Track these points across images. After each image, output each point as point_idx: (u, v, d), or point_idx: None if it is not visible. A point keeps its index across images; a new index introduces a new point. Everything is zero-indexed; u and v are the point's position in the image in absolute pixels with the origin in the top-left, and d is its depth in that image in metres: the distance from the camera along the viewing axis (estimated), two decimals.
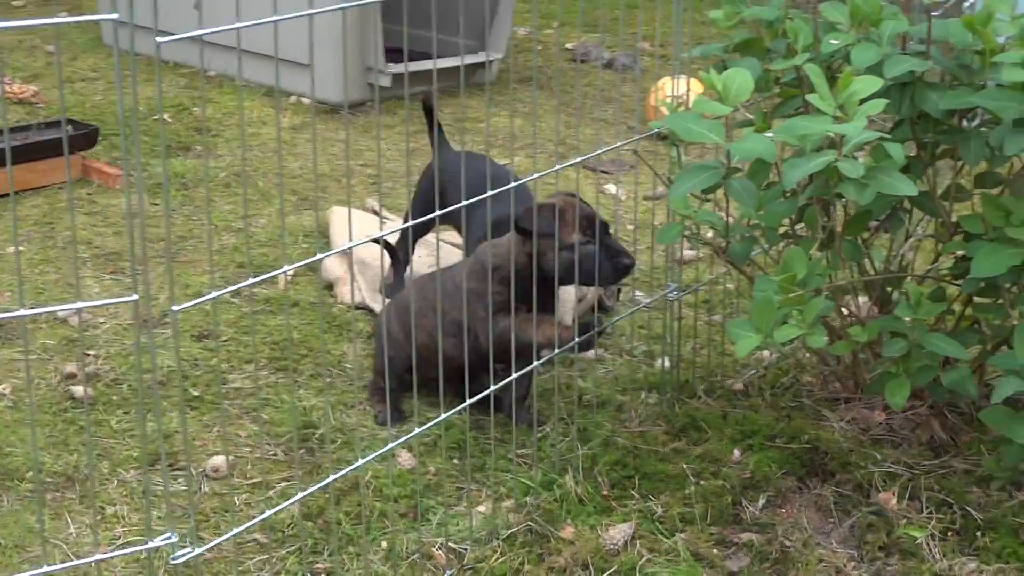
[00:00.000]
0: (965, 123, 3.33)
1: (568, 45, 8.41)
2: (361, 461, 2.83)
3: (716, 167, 3.14)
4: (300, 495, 2.71)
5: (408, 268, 4.55)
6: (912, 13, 3.58)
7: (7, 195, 5.15)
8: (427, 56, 6.93)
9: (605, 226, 3.46)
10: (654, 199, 5.61)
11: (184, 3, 6.91)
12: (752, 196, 3.10)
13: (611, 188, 5.69)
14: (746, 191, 3.10)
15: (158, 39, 2.31)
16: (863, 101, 2.89)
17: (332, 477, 2.74)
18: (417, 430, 3.00)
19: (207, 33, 2.43)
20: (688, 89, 6.41)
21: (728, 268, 3.87)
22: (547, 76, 7.57)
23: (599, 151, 3.47)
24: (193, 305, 2.45)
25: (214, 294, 2.45)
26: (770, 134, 3.11)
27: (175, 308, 2.38)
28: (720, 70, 3.58)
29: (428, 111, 4.67)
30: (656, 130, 3.61)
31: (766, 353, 4.16)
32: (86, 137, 5.45)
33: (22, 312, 2.22)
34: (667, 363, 3.98)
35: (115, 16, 2.16)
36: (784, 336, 2.98)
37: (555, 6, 9.34)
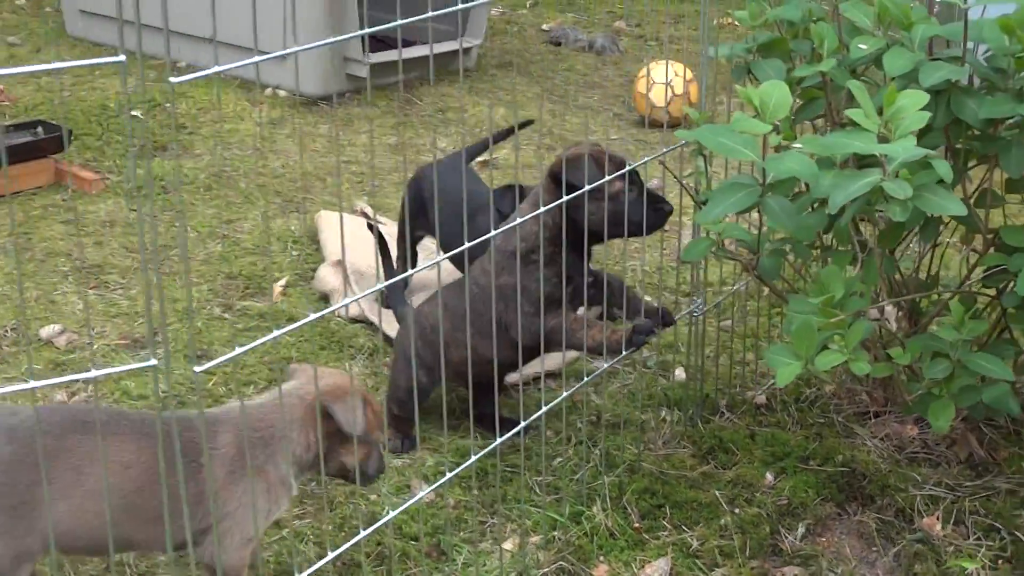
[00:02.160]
0: (1002, 131, 3.19)
1: (544, 26, 8.22)
2: (393, 513, 2.67)
3: (750, 184, 2.98)
4: (332, 555, 2.54)
5: (408, 281, 4.39)
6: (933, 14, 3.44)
7: None
8: (406, 44, 6.74)
9: (635, 171, 3.31)
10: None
11: None
12: (790, 216, 2.94)
13: None
14: (784, 211, 2.94)
15: (172, 79, 2.11)
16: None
17: (364, 534, 2.58)
18: (467, 462, 2.83)
19: (224, 70, 2.23)
20: (674, 74, 6.29)
21: (749, 279, 3.73)
22: (526, 61, 7.38)
23: (634, 164, 3.29)
24: (216, 365, 2.27)
25: (238, 351, 2.26)
26: (799, 146, 2.96)
27: (197, 370, 2.19)
28: (743, 73, 3.44)
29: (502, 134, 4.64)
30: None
31: None
32: (58, 140, 5.22)
33: (32, 384, 2.03)
34: (683, 375, 3.84)
35: (122, 59, 1.97)
36: (827, 363, 2.84)
37: None
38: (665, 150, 3.37)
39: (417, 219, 4.25)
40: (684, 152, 3.52)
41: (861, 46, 3.10)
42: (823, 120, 3.36)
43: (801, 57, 3.43)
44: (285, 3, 6.22)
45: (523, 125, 5.15)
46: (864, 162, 2.97)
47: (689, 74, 6.27)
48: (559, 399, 3.14)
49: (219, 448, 2.61)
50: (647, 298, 4.00)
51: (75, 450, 2.52)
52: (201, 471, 2.54)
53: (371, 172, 5.50)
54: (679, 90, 6.19)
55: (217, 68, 2.22)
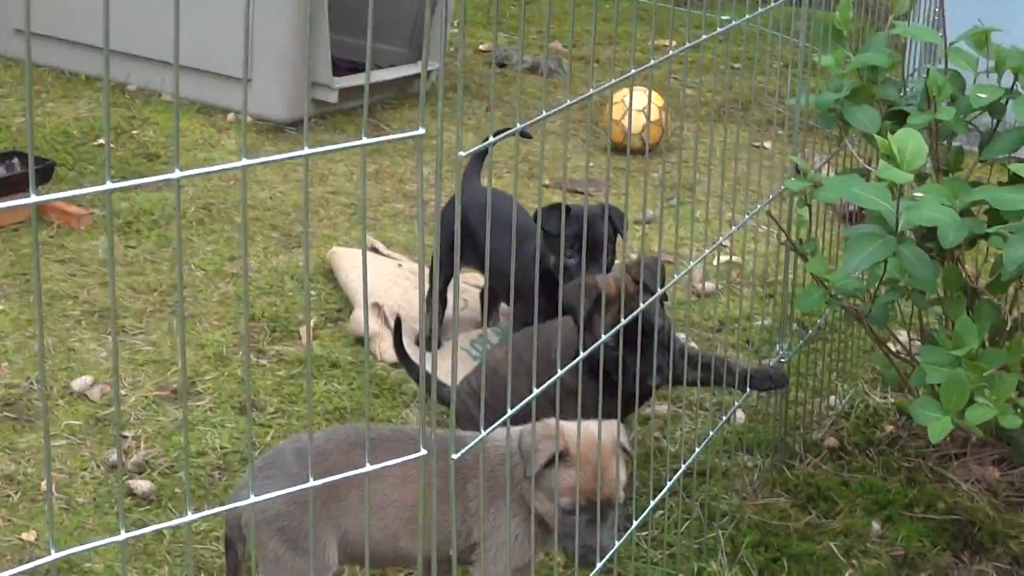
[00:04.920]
0: None
1: (481, 46, 8.14)
2: None
3: (881, 235, 2.96)
4: None
5: (443, 316, 4.28)
6: None
7: None
8: (361, 68, 6.59)
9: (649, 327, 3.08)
10: (645, 223, 5.43)
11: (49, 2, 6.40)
12: (928, 267, 2.93)
13: None
14: (920, 261, 2.93)
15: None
16: None
17: None
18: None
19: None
20: (649, 103, 6.27)
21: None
22: (476, 84, 7.28)
23: (744, 219, 3.23)
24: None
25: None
26: (920, 194, 2.96)
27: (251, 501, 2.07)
28: (834, 118, 3.42)
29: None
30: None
31: (833, 398, 4.04)
32: (41, 173, 4.95)
33: (123, 536, 1.88)
34: (742, 416, 3.82)
35: (421, 132, 1.84)
36: (978, 418, 2.84)
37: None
38: (771, 196, 3.34)
39: (460, 251, 4.11)
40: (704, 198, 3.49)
41: (981, 95, 3.12)
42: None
43: (880, 103, 3.43)
44: (249, 26, 6.04)
45: (523, 136, 4.98)
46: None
47: (659, 100, 6.27)
48: (668, 485, 3.08)
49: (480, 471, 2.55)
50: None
51: (353, 465, 2.50)
52: (468, 490, 2.57)
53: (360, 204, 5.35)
54: (653, 116, 6.18)
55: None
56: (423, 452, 1.92)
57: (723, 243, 4.95)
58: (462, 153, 1.94)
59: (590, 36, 8.49)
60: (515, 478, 2.56)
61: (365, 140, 1.75)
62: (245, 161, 1.64)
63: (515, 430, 2.59)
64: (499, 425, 2.19)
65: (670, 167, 5.91)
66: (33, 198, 1.52)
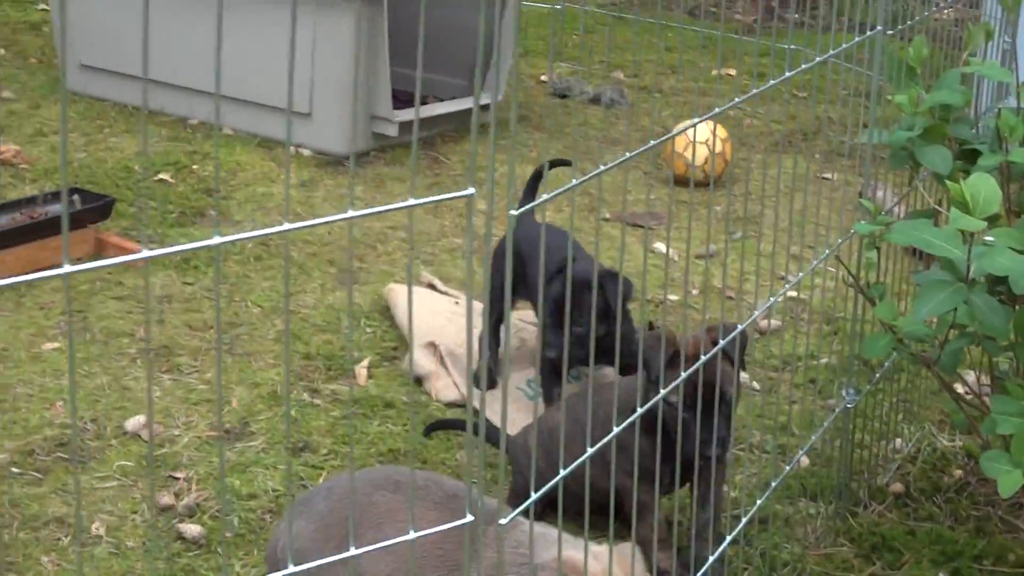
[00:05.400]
0: None
1: (542, 77, 8.09)
2: None
3: (951, 282, 2.86)
4: None
5: (498, 355, 4.22)
6: None
7: (18, 275, 4.65)
8: (427, 100, 6.56)
9: (724, 397, 2.98)
10: (707, 257, 5.35)
11: (114, 37, 6.43)
12: (999, 314, 2.82)
13: (659, 246, 5.40)
14: (991, 309, 2.83)
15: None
16: None
17: None
18: None
19: None
20: (710, 134, 6.19)
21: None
22: (537, 115, 7.23)
23: (813, 265, 3.14)
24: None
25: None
26: (991, 239, 2.86)
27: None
28: (906, 158, 3.32)
29: (536, 177, 4.36)
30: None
31: (899, 441, 3.92)
32: (100, 210, 4.96)
33: None
34: (806, 461, 3.72)
35: (471, 192, 1.78)
36: None
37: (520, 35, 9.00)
38: (840, 241, 3.25)
39: (514, 287, 4.05)
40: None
41: None
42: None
43: (952, 140, 3.34)
44: (312, 61, 6.04)
45: (555, 164, 4.92)
46: None
47: (723, 132, 6.18)
48: (731, 536, 2.99)
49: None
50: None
51: (379, 506, 2.62)
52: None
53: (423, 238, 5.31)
54: (717, 149, 6.09)
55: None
56: (470, 518, 1.84)
57: (788, 278, 4.88)
58: (513, 212, 1.88)
59: (651, 66, 8.42)
60: None
61: (413, 201, 1.69)
62: (351, 213, 1.60)
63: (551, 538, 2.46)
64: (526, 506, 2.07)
65: (733, 200, 5.81)
66: (145, 253, 1.49)
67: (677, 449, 2.87)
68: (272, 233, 1.58)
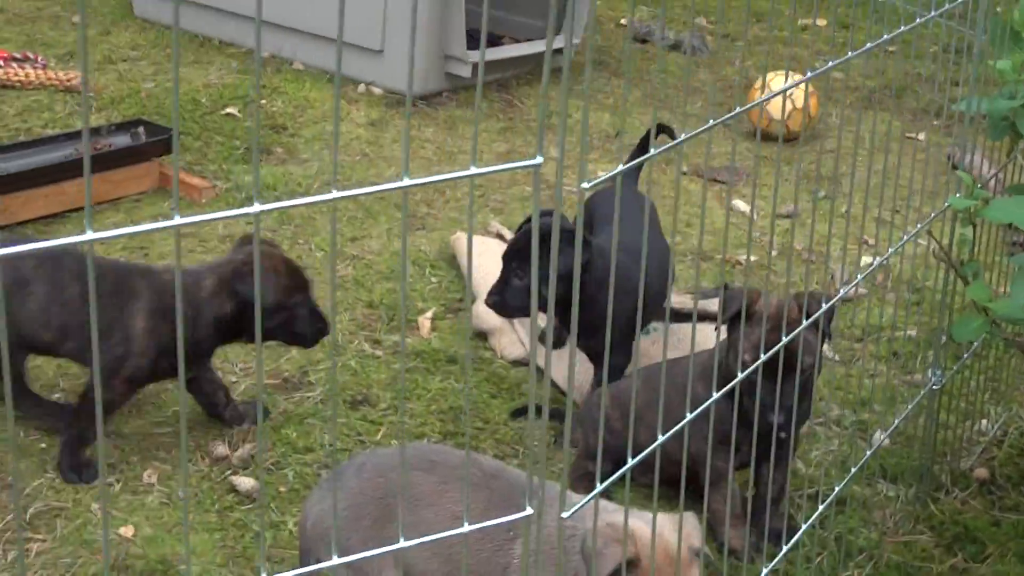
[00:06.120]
0: None
1: (623, 20, 7.87)
2: None
3: None
4: None
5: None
6: None
7: (78, 209, 4.57)
8: (503, 41, 6.38)
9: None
10: (790, 217, 5.15)
11: None
12: None
13: (740, 205, 5.20)
14: None
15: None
16: None
17: None
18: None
19: None
20: (805, 91, 5.95)
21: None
22: (616, 60, 7.03)
23: (902, 241, 2.95)
24: None
25: None
26: None
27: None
28: (1007, 128, 3.12)
29: (643, 146, 4.07)
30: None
31: (984, 423, 3.74)
32: (165, 144, 4.84)
33: None
34: (886, 440, 3.54)
35: (538, 161, 1.62)
36: None
37: None
38: (933, 215, 3.06)
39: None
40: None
41: None
42: None
43: None
44: None
45: (660, 131, 4.72)
46: None
47: (810, 86, 5.95)
48: (812, 519, 2.82)
49: None
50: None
51: (415, 487, 2.51)
52: (515, 549, 2.42)
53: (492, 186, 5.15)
54: (799, 103, 5.87)
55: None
56: (529, 511, 1.70)
57: (868, 242, 4.67)
58: (586, 185, 1.72)
59: (735, 13, 8.17)
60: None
61: (474, 170, 1.54)
62: (407, 182, 1.46)
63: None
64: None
65: (816, 157, 5.59)
66: (257, 207, 1.35)
67: (755, 416, 2.72)
68: (319, 202, 1.43)
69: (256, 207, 1.38)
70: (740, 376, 2.35)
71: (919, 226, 3.09)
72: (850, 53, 2.74)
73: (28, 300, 3.21)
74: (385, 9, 5.83)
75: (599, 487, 1.87)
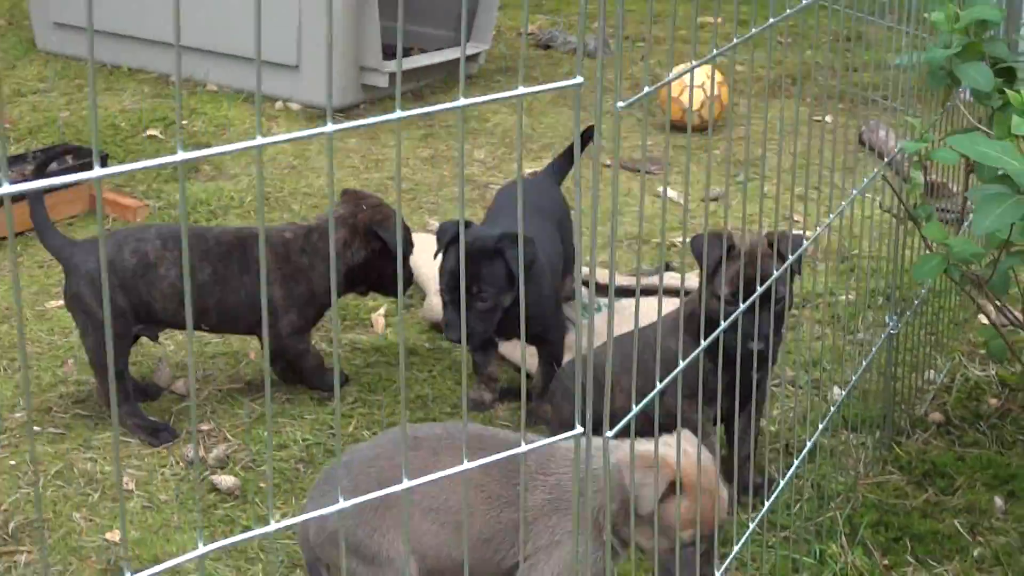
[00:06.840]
0: None
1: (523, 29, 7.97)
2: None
3: (1010, 195, 2.80)
4: None
5: None
6: None
7: (20, 233, 4.51)
8: (412, 52, 6.44)
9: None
10: (714, 200, 5.28)
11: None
12: None
13: (671, 193, 5.32)
14: None
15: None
16: None
17: None
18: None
19: None
20: (706, 77, 6.11)
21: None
22: (525, 65, 7.11)
23: (854, 194, 3.06)
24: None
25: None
26: None
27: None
28: (944, 77, 3.26)
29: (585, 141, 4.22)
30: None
31: (931, 372, 3.88)
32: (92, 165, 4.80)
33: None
34: (840, 393, 3.66)
35: (579, 80, 1.69)
36: None
37: None
38: (886, 160, 3.18)
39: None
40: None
41: None
42: None
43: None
44: (300, 13, 5.89)
45: (586, 132, 4.83)
46: None
47: (719, 76, 6.11)
48: (794, 467, 2.92)
49: (546, 480, 2.47)
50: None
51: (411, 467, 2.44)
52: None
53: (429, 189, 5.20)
54: (708, 91, 6.02)
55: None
56: (579, 430, 1.75)
57: (795, 218, 4.81)
58: (621, 104, 1.79)
59: (631, 16, 8.33)
60: (599, 505, 2.39)
61: (522, 90, 1.60)
62: (332, 126, 1.47)
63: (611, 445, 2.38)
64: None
65: (732, 144, 5.74)
66: (331, 126, 1.38)
67: (737, 368, 2.78)
68: (240, 148, 1.48)
69: (329, 127, 1.42)
70: (723, 309, 2.43)
71: (854, 192, 3.19)
72: (735, 39, 2.82)
73: (159, 281, 3.42)
74: (300, 25, 5.86)
75: (635, 409, 1.92)
